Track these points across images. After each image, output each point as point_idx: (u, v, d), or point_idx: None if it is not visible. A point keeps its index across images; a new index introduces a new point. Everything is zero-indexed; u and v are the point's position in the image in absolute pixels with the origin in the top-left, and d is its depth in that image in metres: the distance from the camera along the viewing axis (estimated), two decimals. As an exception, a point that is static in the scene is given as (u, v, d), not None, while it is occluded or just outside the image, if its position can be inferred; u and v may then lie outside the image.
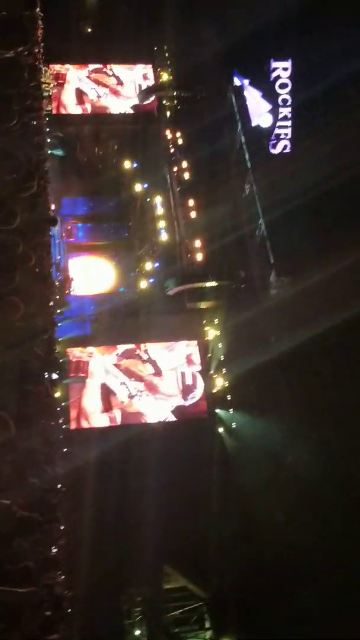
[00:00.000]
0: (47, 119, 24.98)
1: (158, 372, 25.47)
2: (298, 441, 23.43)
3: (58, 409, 20.55)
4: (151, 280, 27.36)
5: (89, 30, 31.17)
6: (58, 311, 23.59)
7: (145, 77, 31.36)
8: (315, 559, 20.99)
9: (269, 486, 22.75)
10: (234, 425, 25.05)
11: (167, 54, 31.57)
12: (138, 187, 28.95)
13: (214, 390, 25.72)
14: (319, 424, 23.12)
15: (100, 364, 25.20)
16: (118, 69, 31.12)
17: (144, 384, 25.13)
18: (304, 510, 21.93)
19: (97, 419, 24.31)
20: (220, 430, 25.16)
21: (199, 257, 26.84)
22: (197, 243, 27.10)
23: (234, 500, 23.04)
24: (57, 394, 22.21)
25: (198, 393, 25.40)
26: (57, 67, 29.80)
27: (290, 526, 21.56)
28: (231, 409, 25.37)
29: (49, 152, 24.30)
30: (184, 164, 28.73)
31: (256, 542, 21.88)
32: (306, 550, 21.14)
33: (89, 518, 21.36)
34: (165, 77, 30.95)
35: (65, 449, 21.24)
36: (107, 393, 24.65)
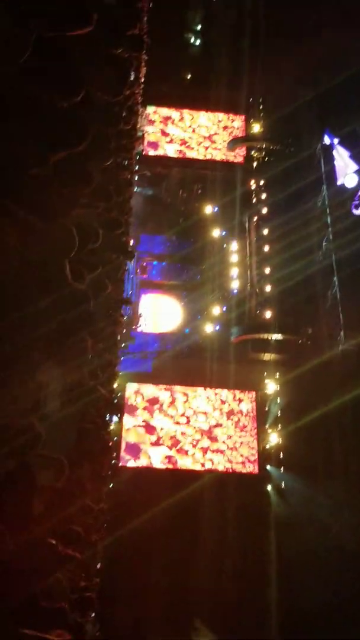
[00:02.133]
0: (137, 157, 25.73)
1: (214, 420, 25.17)
2: (346, 510, 22.71)
3: (110, 444, 20.55)
4: (217, 326, 27.27)
5: (188, 77, 32.10)
6: (122, 345, 23.77)
7: (236, 126, 31.87)
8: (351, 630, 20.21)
9: (312, 553, 22.02)
10: (283, 485, 24.43)
11: (261, 106, 32.01)
12: (216, 233, 29.19)
13: (267, 446, 25.21)
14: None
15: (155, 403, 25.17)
16: (211, 115, 31.71)
17: (198, 431, 24.84)
18: (345, 583, 21.12)
19: (145, 459, 24.18)
20: (269, 488, 24.56)
21: (268, 308, 26.66)
22: (268, 294, 26.99)
23: (273, 562, 22.32)
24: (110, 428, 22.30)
25: (251, 447, 24.91)
26: (151, 109, 30.59)
27: (327, 597, 20.74)
28: (282, 468, 24.77)
29: (136, 189, 24.91)
30: (264, 215, 28.88)
31: (291, 608, 21.15)
32: (343, 622, 20.36)
33: (123, 559, 21.17)
34: (256, 128, 31.35)
35: (111, 485, 21.17)
36: (158, 434, 24.49)
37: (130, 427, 24.16)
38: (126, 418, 24.09)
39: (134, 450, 23.81)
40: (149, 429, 24.39)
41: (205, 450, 24.45)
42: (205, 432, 24.79)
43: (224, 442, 24.83)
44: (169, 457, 24.12)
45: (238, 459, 24.61)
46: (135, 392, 24.84)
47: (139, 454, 23.82)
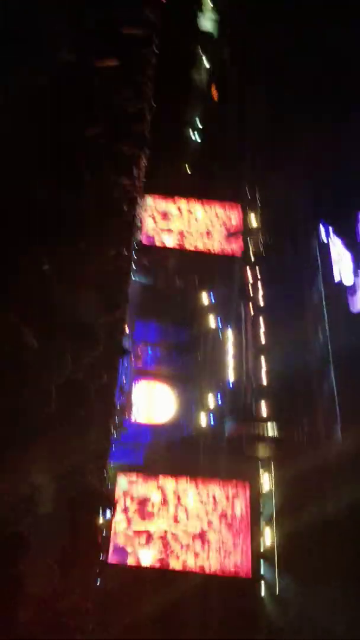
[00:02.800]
0: (136, 247, 26.07)
1: (206, 523, 24.22)
2: (344, 613, 21.58)
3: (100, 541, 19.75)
4: (211, 417, 26.78)
5: (188, 169, 33.02)
6: (114, 435, 23.23)
7: (232, 217, 32.45)
8: None
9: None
10: (278, 590, 23.19)
11: (258, 198, 32.71)
12: (212, 321, 29.20)
13: (261, 544, 24.12)
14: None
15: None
16: (208, 209, 32.33)
17: (190, 534, 23.85)
18: None
19: (135, 550, 23.19)
20: (263, 589, 23.32)
21: (264, 401, 26.32)
22: (264, 387, 26.71)
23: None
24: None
25: (244, 550, 23.83)
26: (150, 202, 31.21)
27: None
28: (277, 568, 23.63)
29: (133, 278, 25.13)
30: (260, 306, 29.01)
31: None
32: None
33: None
34: (253, 219, 31.93)
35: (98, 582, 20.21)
36: (147, 537, 23.62)
37: (119, 530, 23.23)
38: (115, 520, 23.20)
39: (123, 553, 22.86)
40: (139, 531, 23.46)
41: (197, 555, 23.38)
42: (196, 536, 23.75)
43: (216, 546, 23.77)
44: (159, 561, 23.09)
45: (231, 563, 23.50)
46: (125, 492, 24.00)
47: (128, 556, 22.84)
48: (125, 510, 23.68)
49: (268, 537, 24.04)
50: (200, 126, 34.62)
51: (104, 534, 21.34)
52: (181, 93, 33.49)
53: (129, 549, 22.98)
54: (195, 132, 34.70)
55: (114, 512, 22.54)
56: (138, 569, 22.62)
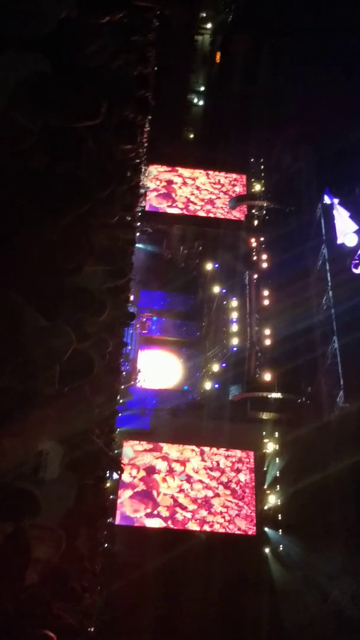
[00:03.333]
0: (139, 214, 26.01)
1: (211, 490, 24.64)
2: (346, 574, 22.03)
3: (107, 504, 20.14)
4: (216, 383, 27.03)
5: (191, 136, 32.76)
6: (120, 401, 23.51)
7: (237, 185, 32.32)
8: None
9: (310, 618, 21.33)
10: (281, 548, 23.75)
11: (262, 166, 32.53)
12: (216, 289, 29.25)
13: (265, 508, 24.62)
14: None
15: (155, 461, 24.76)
16: (213, 175, 32.19)
17: (195, 501, 24.27)
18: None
19: (142, 518, 23.65)
20: (267, 551, 23.87)
21: (268, 366, 26.45)
22: (267, 352, 26.82)
23: (270, 628, 21.56)
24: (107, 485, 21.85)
25: (249, 514, 24.30)
26: (154, 167, 31.06)
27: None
28: (280, 530, 24.14)
29: (137, 246, 25.14)
30: (265, 273, 28.98)
31: None
32: None
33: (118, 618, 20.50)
34: (257, 187, 31.76)
35: (105, 545, 20.62)
36: (153, 505, 24.02)
37: (125, 496, 23.65)
38: (121, 486, 23.63)
39: (129, 518, 23.32)
40: (145, 499, 23.86)
41: (202, 522, 23.87)
42: (201, 503, 24.21)
43: (221, 512, 24.23)
44: (165, 524, 23.56)
45: (236, 526, 24.01)
46: (130, 458, 24.41)
47: (134, 521, 23.34)
48: (131, 476, 24.14)
49: (272, 497, 24.60)
50: (203, 92, 34.35)
51: (111, 498, 21.81)
52: (184, 59, 33.12)
53: (135, 514, 23.47)
54: (199, 99, 34.39)
55: (120, 477, 22.95)
56: (143, 533, 23.11)
